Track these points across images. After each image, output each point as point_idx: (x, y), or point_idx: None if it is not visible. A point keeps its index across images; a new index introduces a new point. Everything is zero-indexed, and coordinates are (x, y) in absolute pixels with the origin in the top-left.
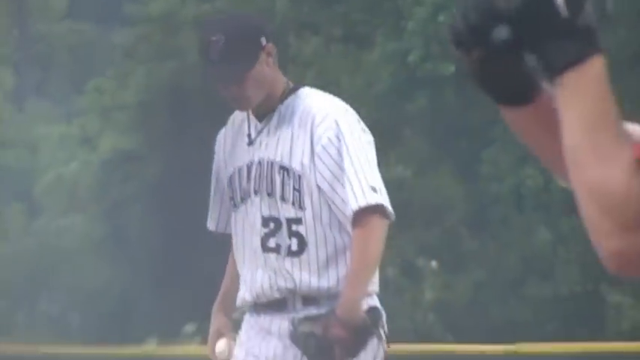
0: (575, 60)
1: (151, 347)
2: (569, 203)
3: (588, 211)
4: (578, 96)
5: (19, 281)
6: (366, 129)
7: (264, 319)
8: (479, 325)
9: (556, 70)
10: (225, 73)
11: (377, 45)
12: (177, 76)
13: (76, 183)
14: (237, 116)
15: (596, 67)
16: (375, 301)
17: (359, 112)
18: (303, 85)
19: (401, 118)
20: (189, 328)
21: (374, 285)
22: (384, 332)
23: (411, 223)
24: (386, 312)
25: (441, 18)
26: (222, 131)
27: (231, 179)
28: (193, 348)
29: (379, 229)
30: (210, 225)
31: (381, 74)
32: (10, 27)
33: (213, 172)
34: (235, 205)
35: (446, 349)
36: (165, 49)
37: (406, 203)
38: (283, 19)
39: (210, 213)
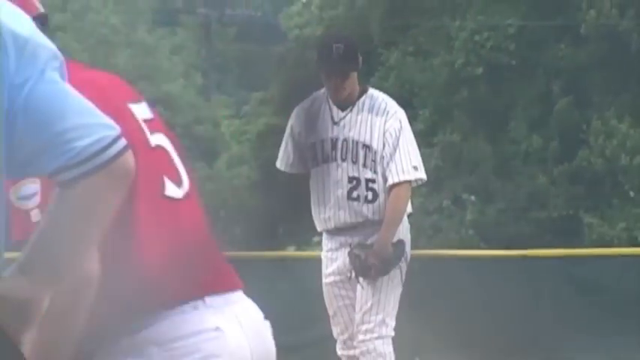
0: None
1: (290, 252)
2: (556, 159)
3: None
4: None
5: None
6: None
7: (342, 238)
8: (501, 238)
9: None
10: (340, 68)
11: (436, 56)
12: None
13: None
14: (316, 102)
15: None
16: (402, 235)
17: (427, 100)
18: (370, 87)
19: (452, 103)
20: (315, 239)
21: (404, 228)
22: (406, 261)
23: (458, 170)
24: (440, 229)
25: (477, 38)
26: (301, 106)
27: (314, 145)
28: (318, 253)
29: (406, 195)
30: (279, 164)
31: (439, 75)
32: (199, 47)
33: (288, 130)
34: (317, 164)
35: (480, 254)
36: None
37: (455, 158)
38: (376, 38)
39: (280, 156)
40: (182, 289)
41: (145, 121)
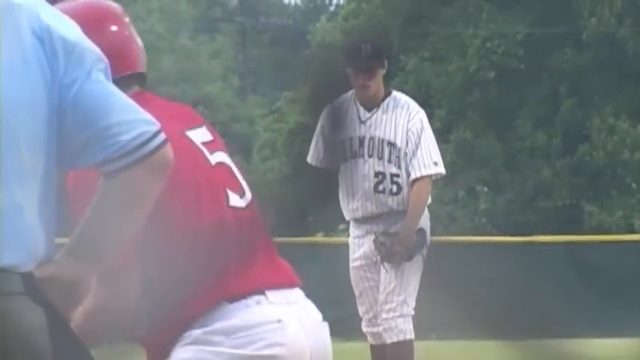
0: None
1: (319, 238)
2: (559, 153)
3: None
4: None
5: None
6: None
7: (368, 226)
8: (510, 225)
9: None
10: (367, 66)
11: (451, 62)
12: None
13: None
14: (344, 103)
15: None
16: (423, 224)
17: (442, 101)
18: (393, 89)
19: (465, 104)
20: (342, 226)
21: (424, 217)
22: (426, 247)
23: (471, 165)
24: (455, 218)
25: (488, 45)
26: (331, 107)
27: (343, 143)
28: (344, 239)
29: (427, 188)
30: (310, 159)
31: (454, 79)
32: (236, 52)
33: (318, 128)
34: (346, 160)
35: (491, 240)
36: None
37: (468, 153)
38: (396, 45)
39: (310, 152)
40: (246, 285)
41: (204, 143)
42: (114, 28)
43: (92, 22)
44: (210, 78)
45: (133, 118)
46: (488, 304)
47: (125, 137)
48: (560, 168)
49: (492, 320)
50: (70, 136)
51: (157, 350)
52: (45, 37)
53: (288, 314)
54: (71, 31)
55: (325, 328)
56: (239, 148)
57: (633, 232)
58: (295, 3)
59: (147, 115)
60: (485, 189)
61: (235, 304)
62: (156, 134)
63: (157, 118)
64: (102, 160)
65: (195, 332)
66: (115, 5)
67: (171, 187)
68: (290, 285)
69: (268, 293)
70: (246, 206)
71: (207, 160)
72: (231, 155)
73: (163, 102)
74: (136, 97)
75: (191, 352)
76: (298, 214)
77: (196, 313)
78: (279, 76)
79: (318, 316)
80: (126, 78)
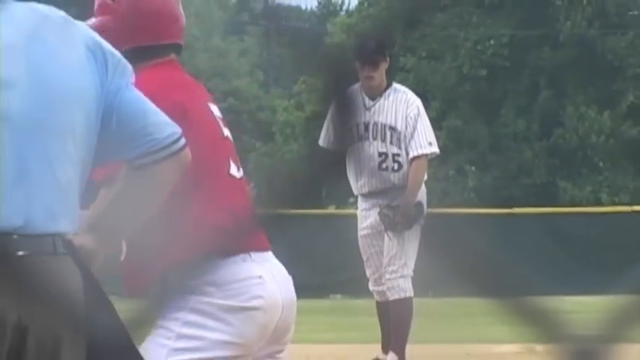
0: None
1: (331, 210)
2: (538, 137)
3: None
4: None
5: None
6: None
7: (374, 200)
8: (495, 199)
9: None
10: (371, 59)
11: (446, 62)
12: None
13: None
14: (353, 93)
15: None
16: (421, 198)
17: (437, 94)
18: (395, 82)
19: (458, 96)
20: (351, 200)
21: (422, 192)
22: (423, 218)
23: (461, 148)
24: (448, 193)
25: (479, 47)
26: (338, 97)
27: (351, 128)
28: (353, 211)
29: (424, 165)
30: (321, 142)
31: (449, 76)
32: (261, 50)
33: (329, 116)
34: (353, 143)
35: (479, 212)
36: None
37: (459, 138)
38: (397, 46)
39: (322, 136)
40: (235, 244)
41: (218, 117)
42: None
43: None
44: (238, 73)
45: (164, 120)
46: (477, 266)
47: (160, 135)
48: (538, 150)
49: (480, 280)
50: (113, 133)
51: (141, 279)
52: (97, 51)
53: (266, 271)
54: (114, 49)
55: (291, 282)
56: (262, 133)
57: (600, 204)
58: (311, 9)
59: (170, 119)
60: (473, 168)
61: (225, 260)
62: (181, 135)
63: (187, 85)
64: (138, 154)
65: (190, 282)
66: None
67: (197, 142)
68: (266, 248)
69: (252, 253)
70: (240, 177)
71: (221, 131)
72: (256, 139)
73: (186, 75)
74: (171, 63)
75: (186, 301)
76: (313, 189)
77: (193, 263)
78: (297, 71)
79: (286, 272)
80: (167, 46)
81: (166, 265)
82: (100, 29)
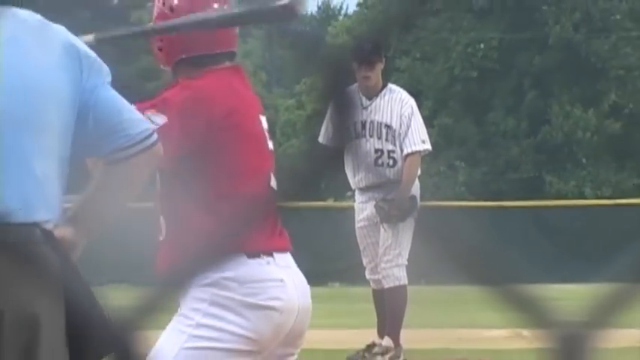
0: None
1: (330, 203)
2: (525, 135)
3: None
4: None
5: None
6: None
7: (370, 194)
8: (484, 193)
9: None
10: (368, 59)
11: (438, 63)
12: None
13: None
14: (351, 92)
15: None
16: (414, 192)
17: (429, 94)
18: (390, 82)
19: (449, 96)
20: (349, 193)
21: (415, 186)
22: (417, 211)
23: (452, 144)
24: (440, 187)
25: (469, 50)
26: (337, 97)
27: (349, 126)
28: (351, 204)
29: (417, 162)
30: (321, 139)
31: (440, 77)
32: (264, 52)
33: (328, 114)
34: (351, 139)
35: (469, 205)
36: None
37: (449, 135)
38: (393, 48)
39: (322, 133)
40: (261, 246)
41: (266, 130)
42: (216, 6)
43: (201, 1)
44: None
45: (137, 117)
46: (468, 256)
47: (133, 131)
48: (525, 146)
49: (471, 269)
50: (90, 130)
51: (175, 262)
52: (73, 52)
53: (287, 276)
54: (89, 50)
55: (308, 290)
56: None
57: (584, 198)
58: (311, 13)
59: (143, 116)
60: (463, 164)
61: (251, 260)
62: (153, 131)
63: (247, 97)
64: (113, 149)
65: (214, 275)
66: None
67: (243, 152)
68: (288, 249)
69: (275, 255)
70: (275, 188)
71: (267, 144)
72: None
73: (246, 85)
74: (233, 73)
75: (208, 293)
76: (313, 182)
77: (220, 259)
78: (298, 72)
79: (305, 280)
80: (221, 54)
81: (200, 254)
82: (157, 39)
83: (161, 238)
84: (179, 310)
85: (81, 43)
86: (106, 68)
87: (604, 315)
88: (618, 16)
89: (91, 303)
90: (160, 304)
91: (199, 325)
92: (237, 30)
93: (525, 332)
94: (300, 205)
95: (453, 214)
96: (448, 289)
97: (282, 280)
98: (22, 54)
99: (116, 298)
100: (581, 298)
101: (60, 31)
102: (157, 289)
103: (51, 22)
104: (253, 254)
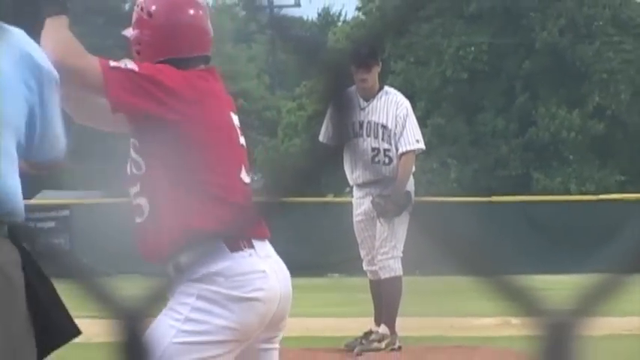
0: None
1: (330, 198)
2: (514, 134)
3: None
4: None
5: None
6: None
7: (367, 189)
8: (475, 189)
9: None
10: (365, 62)
11: (431, 66)
12: None
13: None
14: (349, 94)
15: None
16: (409, 188)
17: (423, 95)
18: (387, 84)
19: (442, 98)
20: (347, 189)
21: (410, 183)
22: (412, 205)
23: (444, 143)
24: (433, 183)
25: (461, 53)
26: (336, 98)
27: (347, 126)
28: (349, 199)
29: (412, 160)
30: (321, 138)
31: (433, 80)
32: (267, 57)
33: (328, 114)
34: (350, 139)
35: (460, 200)
36: None
37: (442, 134)
38: (388, 52)
39: (322, 132)
40: (243, 239)
41: (237, 126)
42: (192, 12)
43: (176, 6)
44: (247, 77)
45: (62, 133)
46: (459, 248)
47: (59, 148)
48: (514, 145)
49: (462, 260)
50: (35, 136)
51: (154, 246)
52: (29, 61)
53: (269, 266)
54: (44, 59)
55: (289, 277)
56: (268, 129)
57: (569, 193)
58: (312, 19)
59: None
60: (455, 162)
61: (235, 253)
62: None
63: (218, 92)
64: (52, 158)
65: (201, 271)
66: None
67: (216, 146)
68: (267, 237)
69: (255, 245)
70: (247, 183)
71: (238, 139)
72: (262, 135)
73: (220, 84)
74: (207, 73)
75: (196, 288)
76: (314, 179)
77: (207, 254)
78: (300, 75)
79: (284, 267)
80: (197, 58)
81: (177, 241)
82: (135, 42)
83: (140, 220)
84: (167, 303)
85: (37, 50)
86: (53, 77)
87: (588, 304)
88: (601, 23)
89: (50, 293)
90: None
91: (188, 320)
92: (211, 35)
93: (514, 320)
94: (301, 201)
95: (446, 209)
96: (441, 279)
97: (264, 272)
98: None
99: (126, 288)
100: (566, 288)
101: (18, 37)
102: (163, 279)
103: (10, 27)
104: (235, 247)
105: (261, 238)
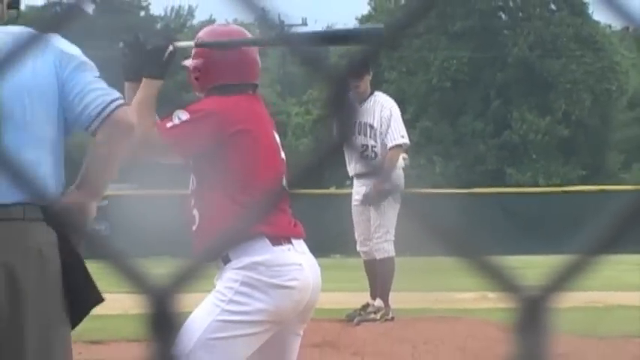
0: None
1: (332, 190)
2: (491, 135)
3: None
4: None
5: None
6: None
7: (362, 180)
8: (457, 182)
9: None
10: (358, 72)
11: (419, 76)
12: None
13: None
14: (351, 97)
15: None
16: (398, 181)
17: (412, 101)
18: (381, 91)
19: (429, 103)
20: (348, 182)
21: (400, 176)
22: (401, 196)
23: (430, 143)
24: (420, 177)
25: (445, 64)
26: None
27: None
28: (350, 190)
29: (397, 153)
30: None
31: (421, 88)
32: (279, 69)
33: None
34: (351, 136)
35: (445, 192)
36: None
37: (428, 135)
38: (382, 63)
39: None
40: (284, 234)
41: (278, 143)
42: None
43: (229, 39)
44: (262, 85)
45: (97, 95)
46: (445, 233)
47: (92, 110)
48: (491, 145)
49: (447, 243)
50: (74, 105)
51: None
52: (54, 49)
53: (304, 261)
54: (74, 51)
55: (319, 271)
56: (280, 132)
57: (538, 186)
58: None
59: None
60: (440, 159)
61: (275, 247)
62: (110, 102)
63: (262, 114)
64: (84, 126)
65: (246, 260)
66: (245, 30)
67: (261, 156)
68: (303, 236)
69: (294, 242)
70: (287, 189)
71: (280, 153)
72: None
73: (262, 106)
74: (253, 98)
75: (240, 275)
76: (318, 173)
77: (252, 246)
78: (307, 85)
79: (316, 263)
80: (246, 84)
81: (229, 241)
82: (194, 71)
83: (194, 228)
84: (215, 287)
85: (70, 47)
86: (90, 64)
87: (556, 281)
88: (565, 39)
89: (83, 274)
90: (195, 274)
91: (231, 302)
92: (259, 65)
93: (491, 294)
94: (308, 192)
95: (432, 200)
96: (428, 259)
97: (300, 265)
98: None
99: (156, 267)
100: (536, 267)
101: (54, 40)
102: (192, 261)
103: (49, 35)
104: (276, 242)
105: (298, 236)
